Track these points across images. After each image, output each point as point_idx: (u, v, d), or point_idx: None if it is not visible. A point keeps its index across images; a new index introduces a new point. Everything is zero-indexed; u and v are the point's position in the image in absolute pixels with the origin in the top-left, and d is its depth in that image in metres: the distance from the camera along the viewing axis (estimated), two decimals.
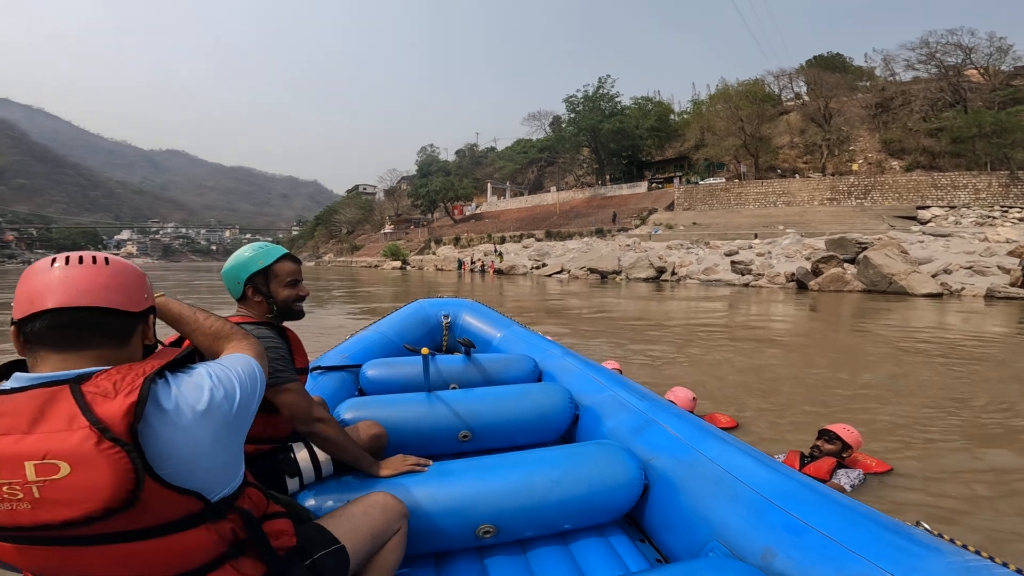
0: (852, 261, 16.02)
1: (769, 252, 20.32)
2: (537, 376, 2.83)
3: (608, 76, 51.36)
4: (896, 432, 3.54)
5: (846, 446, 2.72)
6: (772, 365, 5.76)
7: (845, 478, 2.62)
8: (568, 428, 2.32)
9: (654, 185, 47.21)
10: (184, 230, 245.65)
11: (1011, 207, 28.57)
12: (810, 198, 35.58)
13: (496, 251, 34.73)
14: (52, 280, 0.82)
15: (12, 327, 0.85)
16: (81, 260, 0.86)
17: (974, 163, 33.44)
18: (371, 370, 2.62)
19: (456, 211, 64.61)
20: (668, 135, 54.31)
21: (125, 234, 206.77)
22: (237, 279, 1.56)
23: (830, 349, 6.85)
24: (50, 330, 0.81)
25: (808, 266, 16.22)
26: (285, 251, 1.61)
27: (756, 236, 25.56)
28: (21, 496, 0.70)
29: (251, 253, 1.58)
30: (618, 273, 21.51)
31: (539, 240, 36.91)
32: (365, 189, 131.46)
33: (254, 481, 1.06)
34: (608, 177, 54.30)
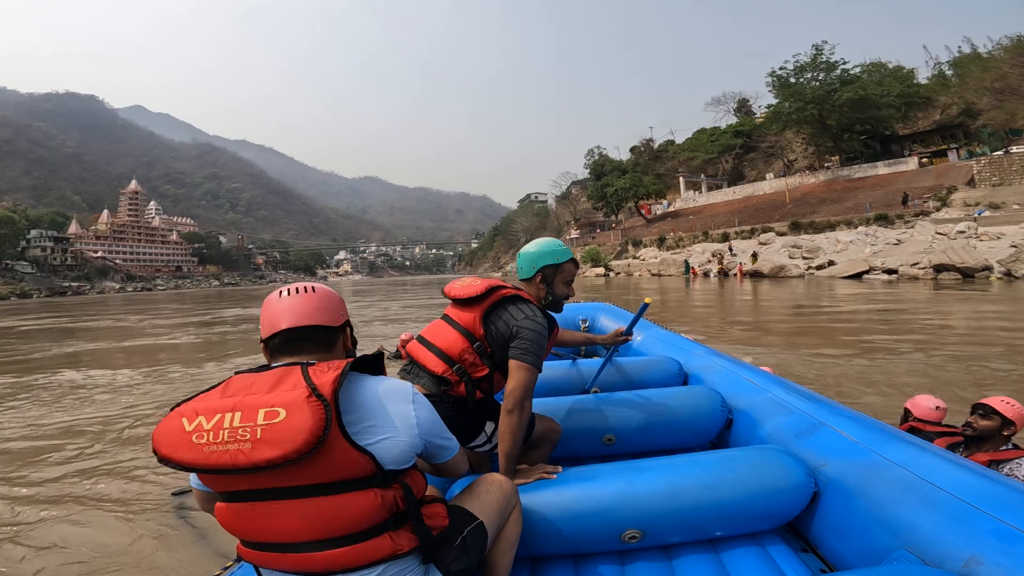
0: None
1: None
2: (683, 379, 2.71)
3: (825, 42, 42.43)
4: None
5: (1007, 422, 2.13)
6: None
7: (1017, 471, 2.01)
8: (719, 433, 2.19)
9: (924, 160, 37.26)
10: (384, 248, 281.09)
11: None
12: None
13: (730, 250, 29.89)
14: (282, 308, 1.13)
15: (261, 343, 1.16)
16: (299, 291, 1.15)
17: None
18: None
19: (644, 210, 60.09)
20: (915, 104, 43.34)
21: (341, 254, 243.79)
22: (534, 263, 1.78)
23: None
24: (284, 343, 1.12)
25: None
26: (572, 256, 1.82)
27: None
28: (248, 437, 0.90)
29: (551, 248, 1.81)
30: (989, 270, 15.47)
31: (781, 234, 30.93)
32: (536, 197, 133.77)
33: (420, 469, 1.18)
34: (838, 157, 44.93)
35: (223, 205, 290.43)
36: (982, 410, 2.24)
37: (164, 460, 0.94)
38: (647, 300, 2.26)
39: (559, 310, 1.84)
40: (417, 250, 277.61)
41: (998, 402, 2.20)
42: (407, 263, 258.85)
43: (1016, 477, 2.06)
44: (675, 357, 2.83)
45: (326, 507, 0.96)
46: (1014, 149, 31.80)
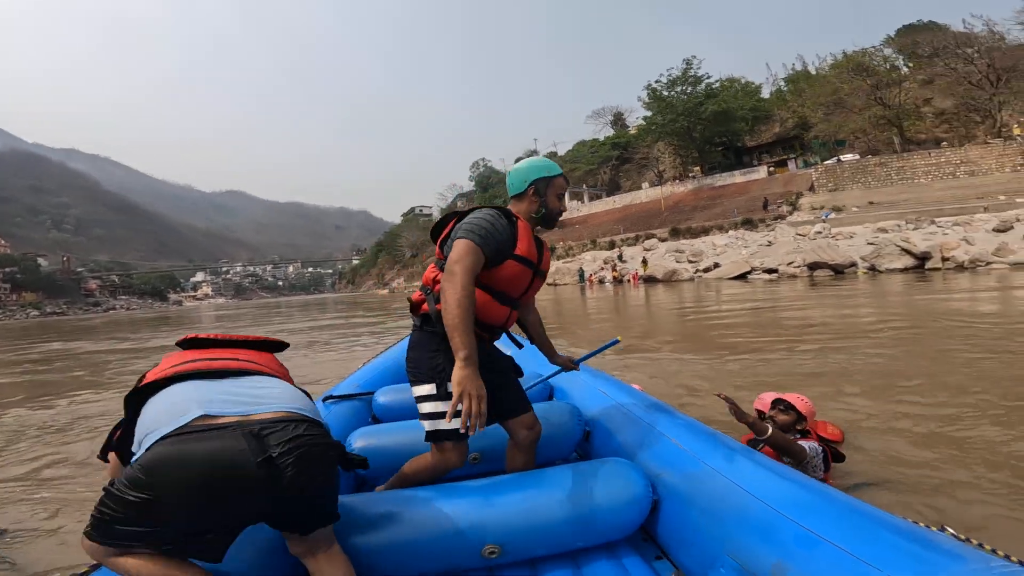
0: None
1: None
2: (548, 394, 2.87)
3: (694, 57, 46.68)
4: None
5: (801, 416, 2.42)
6: None
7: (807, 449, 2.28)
8: (579, 445, 2.31)
9: (771, 169, 42.12)
10: (252, 268, 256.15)
11: None
12: (998, 165, 30.44)
13: (620, 257, 30.73)
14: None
15: None
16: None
17: None
18: (383, 397, 2.68)
19: None
20: (760, 117, 49.49)
21: (199, 276, 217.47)
22: (526, 178, 1.75)
23: None
24: None
25: None
26: (561, 171, 1.79)
27: (986, 209, 20.43)
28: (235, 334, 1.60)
29: (543, 163, 1.78)
30: (855, 265, 16.92)
31: (663, 240, 32.59)
32: (421, 211, 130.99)
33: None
34: (700, 168, 49.45)
35: (45, 222, 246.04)
36: (782, 405, 2.42)
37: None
38: (618, 338, 2.25)
39: (552, 226, 1.82)
40: (291, 269, 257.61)
41: (795, 398, 2.42)
42: (280, 283, 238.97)
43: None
44: (542, 373, 2.85)
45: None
46: (844, 158, 37.22)
